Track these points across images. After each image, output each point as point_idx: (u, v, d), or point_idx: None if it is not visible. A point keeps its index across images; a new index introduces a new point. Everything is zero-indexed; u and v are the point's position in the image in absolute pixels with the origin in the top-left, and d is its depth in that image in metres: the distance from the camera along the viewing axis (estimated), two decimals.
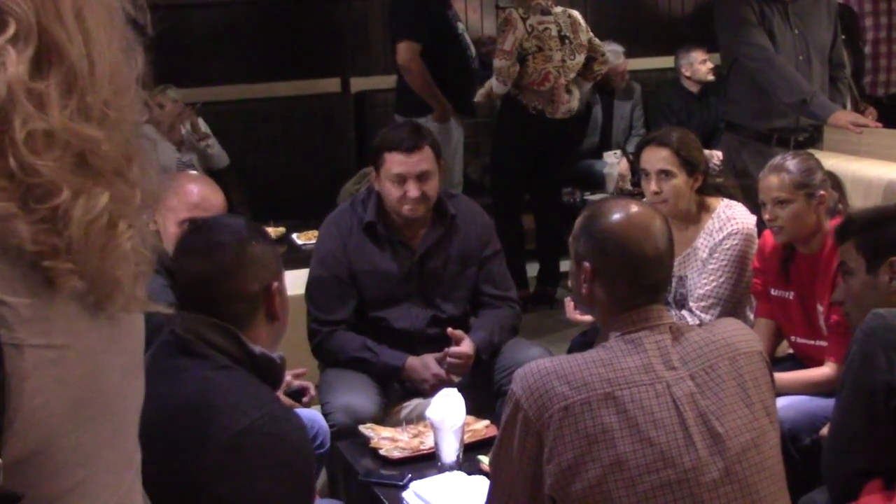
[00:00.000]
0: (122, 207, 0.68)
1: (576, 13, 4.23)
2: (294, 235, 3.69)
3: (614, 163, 4.54)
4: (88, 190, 0.65)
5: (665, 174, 2.43)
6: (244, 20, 4.82)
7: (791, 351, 2.48)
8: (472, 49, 4.16)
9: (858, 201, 2.62)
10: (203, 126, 4.24)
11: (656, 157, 2.45)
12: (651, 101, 5.12)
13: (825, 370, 2.22)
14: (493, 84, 4.01)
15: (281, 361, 1.49)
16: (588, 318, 2.24)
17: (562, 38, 4.06)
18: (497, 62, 3.95)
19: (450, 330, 2.41)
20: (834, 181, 2.38)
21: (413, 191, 2.38)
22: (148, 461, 0.80)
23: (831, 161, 2.69)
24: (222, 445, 1.29)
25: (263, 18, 4.85)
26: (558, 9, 4.13)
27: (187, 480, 1.29)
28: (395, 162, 2.39)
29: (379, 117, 4.41)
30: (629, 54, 5.02)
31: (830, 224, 2.22)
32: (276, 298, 1.48)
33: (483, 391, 2.43)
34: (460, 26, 4.13)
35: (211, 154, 4.26)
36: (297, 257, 3.04)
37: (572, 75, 4.14)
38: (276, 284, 1.48)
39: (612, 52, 4.71)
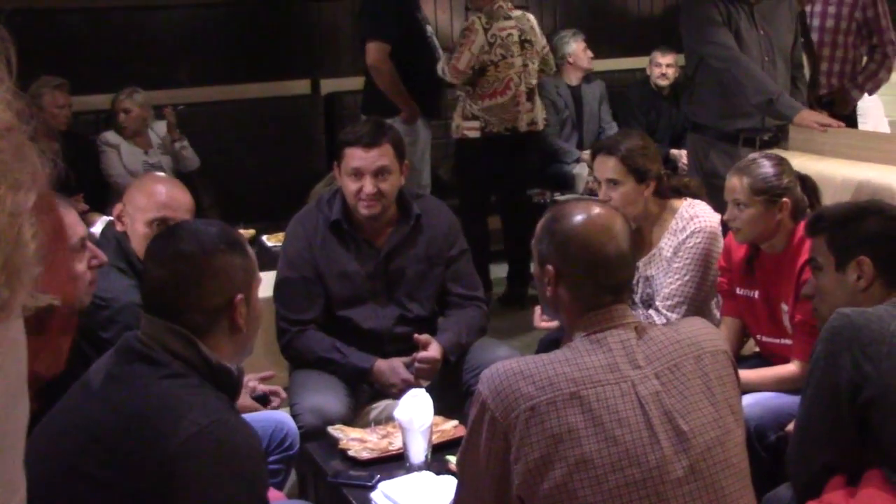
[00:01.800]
0: None
1: (532, 16, 4.26)
2: (264, 237, 3.67)
3: (584, 163, 4.56)
4: None
5: (613, 182, 2.46)
6: (213, 22, 4.79)
7: (757, 349, 2.50)
8: (440, 52, 4.16)
9: (826, 201, 2.65)
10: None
11: (604, 167, 2.48)
12: (620, 101, 5.14)
13: (791, 367, 2.24)
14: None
15: (238, 373, 1.48)
16: (554, 323, 2.25)
17: (522, 43, 4.09)
18: (449, 79, 4.00)
19: (416, 336, 2.40)
20: (808, 185, 2.38)
21: (368, 187, 2.37)
22: (100, 468, 0.78)
23: (797, 161, 2.72)
24: (170, 452, 1.29)
25: (233, 20, 4.82)
26: (517, 12, 4.15)
27: (139, 487, 1.28)
28: (353, 157, 2.40)
29: (349, 119, 4.39)
30: (597, 55, 5.04)
31: (799, 226, 2.23)
32: (240, 311, 1.46)
33: (451, 391, 2.43)
34: (429, 29, 4.13)
35: (186, 156, 4.23)
36: (267, 259, 3.02)
37: (534, 81, 4.17)
38: (240, 297, 1.46)
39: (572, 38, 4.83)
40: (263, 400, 2.18)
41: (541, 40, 4.24)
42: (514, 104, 4.08)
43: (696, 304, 2.48)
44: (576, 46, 4.87)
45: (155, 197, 2.15)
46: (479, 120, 4.05)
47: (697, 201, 2.54)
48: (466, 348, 2.50)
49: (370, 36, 3.81)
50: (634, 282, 2.47)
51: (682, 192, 2.57)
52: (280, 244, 3.30)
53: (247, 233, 3.53)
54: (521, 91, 4.08)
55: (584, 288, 1.49)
